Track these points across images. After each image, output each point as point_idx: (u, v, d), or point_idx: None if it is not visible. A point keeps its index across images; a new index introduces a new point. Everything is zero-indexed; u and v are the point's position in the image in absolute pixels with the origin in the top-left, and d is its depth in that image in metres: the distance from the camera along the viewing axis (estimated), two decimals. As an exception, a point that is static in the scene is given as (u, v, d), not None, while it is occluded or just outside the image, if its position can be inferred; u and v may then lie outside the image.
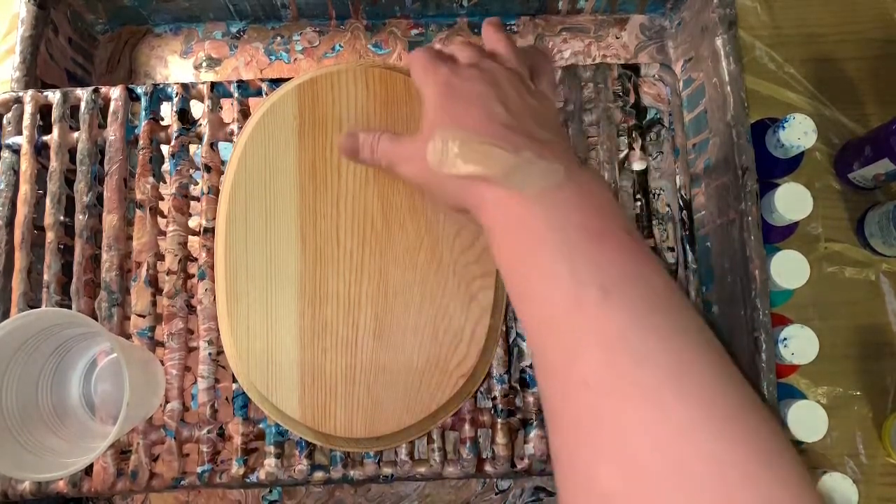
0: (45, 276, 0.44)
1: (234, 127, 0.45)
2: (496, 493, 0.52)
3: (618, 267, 0.26)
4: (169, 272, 0.44)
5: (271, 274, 0.39)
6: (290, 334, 0.38)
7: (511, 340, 0.43)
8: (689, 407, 0.22)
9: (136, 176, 0.45)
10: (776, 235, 0.53)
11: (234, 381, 0.43)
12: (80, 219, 0.44)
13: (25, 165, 0.45)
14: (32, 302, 0.44)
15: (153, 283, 0.44)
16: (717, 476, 0.20)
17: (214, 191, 0.45)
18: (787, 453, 0.22)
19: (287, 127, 0.40)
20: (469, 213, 0.33)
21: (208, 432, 0.42)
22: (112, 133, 0.45)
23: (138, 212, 0.45)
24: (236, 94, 0.46)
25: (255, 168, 0.40)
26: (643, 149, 0.46)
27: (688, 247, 0.46)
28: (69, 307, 0.44)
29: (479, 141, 0.31)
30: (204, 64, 0.60)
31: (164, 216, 0.46)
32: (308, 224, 0.39)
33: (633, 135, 0.46)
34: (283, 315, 0.38)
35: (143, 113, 0.46)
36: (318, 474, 0.42)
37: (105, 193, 0.45)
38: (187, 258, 0.45)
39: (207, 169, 0.45)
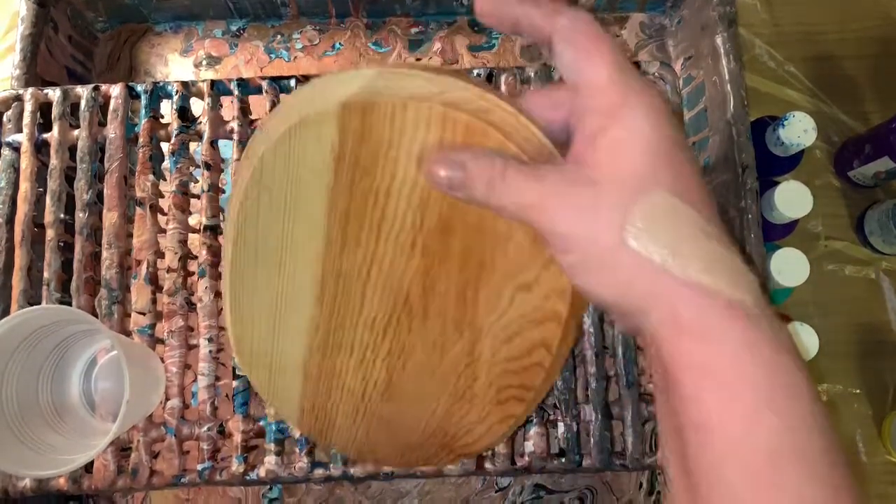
0: (46, 274, 0.44)
1: (234, 125, 0.45)
2: (496, 491, 0.52)
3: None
4: (169, 270, 0.44)
5: (279, 313, 0.32)
6: (294, 369, 0.33)
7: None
8: None
9: (137, 174, 0.45)
10: (776, 233, 0.53)
11: (235, 378, 0.43)
12: (80, 216, 0.45)
13: (26, 163, 0.45)
14: (32, 299, 0.44)
15: (153, 280, 0.44)
16: None
17: (214, 188, 0.45)
18: None
19: (321, 154, 0.28)
20: (635, 320, 0.22)
21: (208, 430, 0.42)
22: (112, 131, 0.45)
23: (138, 209, 0.45)
24: (236, 92, 0.46)
25: (273, 191, 0.29)
26: (643, 147, 0.46)
27: (688, 244, 0.46)
28: (69, 305, 0.44)
29: (722, 244, 0.21)
30: (204, 62, 0.60)
31: (164, 214, 0.46)
32: (329, 279, 0.30)
33: (633, 132, 0.46)
34: (288, 349, 0.33)
35: (144, 111, 0.46)
36: (319, 472, 0.42)
37: (105, 191, 0.45)
38: (187, 256, 0.45)
39: (207, 167, 0.45)
